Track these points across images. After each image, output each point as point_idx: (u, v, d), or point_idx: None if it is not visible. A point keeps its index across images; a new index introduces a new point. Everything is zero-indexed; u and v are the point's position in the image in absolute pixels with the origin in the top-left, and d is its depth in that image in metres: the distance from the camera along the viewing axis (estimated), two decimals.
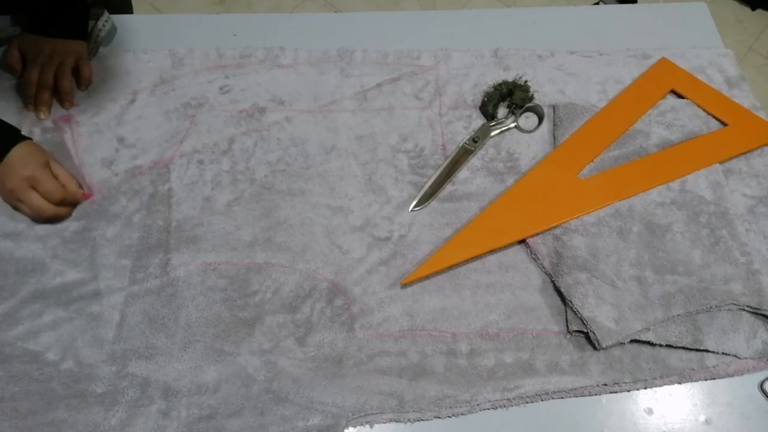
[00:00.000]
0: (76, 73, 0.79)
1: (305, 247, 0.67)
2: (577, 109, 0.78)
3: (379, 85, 0.82)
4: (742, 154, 0.75)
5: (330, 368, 0.60)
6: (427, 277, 0.65)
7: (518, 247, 0.68)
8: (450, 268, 0.66)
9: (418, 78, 0.83)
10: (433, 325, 0.63)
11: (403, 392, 0.59)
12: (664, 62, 0.84)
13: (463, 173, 0.74)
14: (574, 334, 0.62)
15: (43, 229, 0.67)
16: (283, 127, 0.77)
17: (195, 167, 0.73)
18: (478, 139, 0.75)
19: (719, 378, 0.61)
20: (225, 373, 0.59)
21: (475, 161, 0.75)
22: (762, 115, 0.79)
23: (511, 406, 0.59)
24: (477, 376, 0.60)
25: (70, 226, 0.68)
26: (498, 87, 0.80)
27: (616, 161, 0.74)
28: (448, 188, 0.72)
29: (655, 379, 0.60)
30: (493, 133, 0.77)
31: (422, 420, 0.58)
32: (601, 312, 0.61)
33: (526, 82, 0.80)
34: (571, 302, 0.62)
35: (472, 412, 0.58)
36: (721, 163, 0.74)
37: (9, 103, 0.78)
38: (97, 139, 0.75)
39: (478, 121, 0.79)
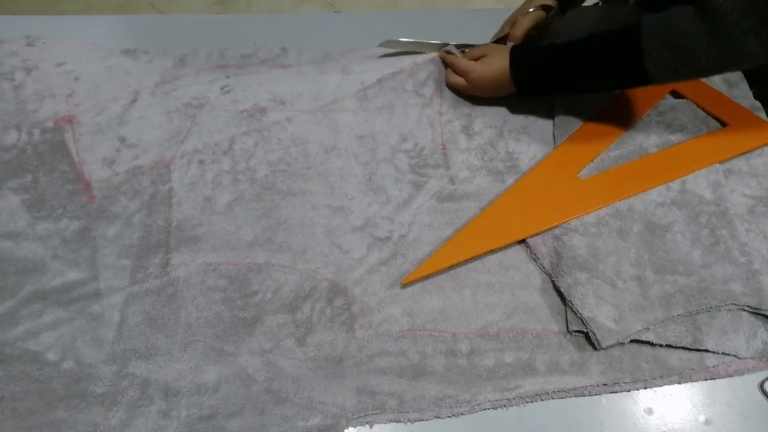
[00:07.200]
0: None
1: (305, 247, 0.67)
2: (577, 109, 0.78)
3: (379, 80, 0.82)
4: (742, 154, 0.75)
5: (330, 368, 0.60)
6: (427, 277, 0.65)
7: (518, 247, 0.68)
8: (450, 268, 0.66)
9: (419, 69, 0.83)
10: (433, 325, 0.63)
11: (403, 392, 0.59)
12: None
13: (463, 173, 0.74)
14: (574, 334, 0.62)
15: (43, 229, 0.67)
16: (284, 127, 0.77)
17: (196, 167, 0.73)
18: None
19: (719, 378, 0.61)
20: (225, 373, 0.59)
21: (475, 161, 0.75)
22: (762, 115, 0.79)
23: (511, 406, 0.59)
24: (477, 376, 0.60)
25: (70, 226, 0.68)
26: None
27: (616, 161, 0.74)
28: (448, 188, 0.72)
29: (655, 379, 0.60)
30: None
31: (422, 420, 0.58)
32: (601, 312, 0.61)
33: None
34: (571, 302, 0.62)
35: (472, 412, 0.58)
36: (721, 163, 0.74)
37: (9, 103, 0.78)
38: (98, 139, 0.75)
39: (478, 120, 0.79)
